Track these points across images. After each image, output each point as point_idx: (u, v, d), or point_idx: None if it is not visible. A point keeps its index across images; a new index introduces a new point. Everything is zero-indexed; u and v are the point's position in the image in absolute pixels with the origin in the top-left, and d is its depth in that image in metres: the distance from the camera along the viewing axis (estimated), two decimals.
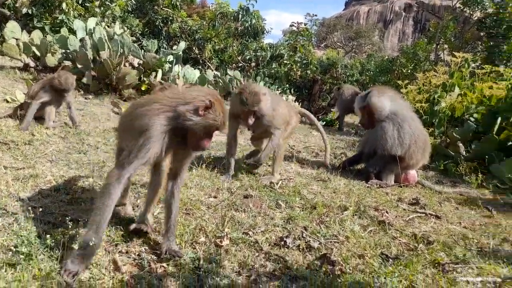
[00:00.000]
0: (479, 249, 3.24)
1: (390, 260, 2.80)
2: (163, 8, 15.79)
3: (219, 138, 5.63)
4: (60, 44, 8.28)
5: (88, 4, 11.70)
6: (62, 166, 3.80)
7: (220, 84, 11.04)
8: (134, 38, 11.54)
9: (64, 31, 8.74)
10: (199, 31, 16.41)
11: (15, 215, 2.63)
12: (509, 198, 5.13)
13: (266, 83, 13.49)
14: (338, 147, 7.49)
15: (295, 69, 14.66)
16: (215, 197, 3.68)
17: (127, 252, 2.45)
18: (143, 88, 8.38)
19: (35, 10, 10.89)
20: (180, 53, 9.38)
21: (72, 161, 4.00)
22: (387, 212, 3.85)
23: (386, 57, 18.91)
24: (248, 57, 16.31)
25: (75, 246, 2.17)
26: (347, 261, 2.69)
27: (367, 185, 4.90)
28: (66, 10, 10.93)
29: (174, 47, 10.62)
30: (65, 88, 5.15)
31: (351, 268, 2.61)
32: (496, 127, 6.57)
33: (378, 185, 4.91)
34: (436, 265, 2.82)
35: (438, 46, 15.92)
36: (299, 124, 5.12)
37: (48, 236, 2.30)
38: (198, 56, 16.00)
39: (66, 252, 2.26)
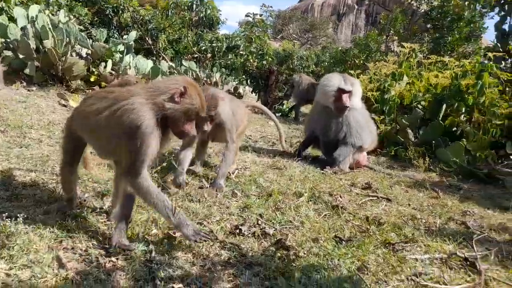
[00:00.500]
0: (427, 228, 3.38)
1: (344, 242, 2.86)
2: None
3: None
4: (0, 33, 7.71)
5: None
6: (0, 162, 3.54)
7: (175, 75, 10.79)
8: (81, 27, 10.97)
9: (3, 19, 8.11)
10: (152, 21, 15.85)
11: None
12: (454, 180, 5.42)
13: (222, 74, 13.34)
14: (294, 136, 7.57)
15: (251, 60, 14.60)
16: (169, 188, 3.58)
17: (72, 248, 2.32)
18: (92, 80, 8.00)
19: None
20: (131, 42, 9.03)
21: (12, 156, 3.74)
22: (340, 196, 3.92)
23: (340, 48, 19.31)
24: (203, 48, 16.03)
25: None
26: (302, 245, 2.71)
27: (330, 171, 5.00)
28: None
29: (125, 37, 10.23)
30: None
31: (305, 252, 2.64)
32: (442, 113, 6.91)
33: (334, 172, 5.01)
34: (387, 245, 2.91)
35: (388, 38, 16.48)
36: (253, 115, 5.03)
37: None
38: (152, 47, 15.49)
39: (2, 251, 2.10)
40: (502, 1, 8.30)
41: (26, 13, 7.63)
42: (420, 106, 7.30)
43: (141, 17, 15.39)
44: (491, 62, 6.82)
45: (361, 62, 14.38)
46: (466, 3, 10.53)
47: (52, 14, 8.63)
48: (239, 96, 12.58)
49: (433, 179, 5.38)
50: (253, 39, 15.09)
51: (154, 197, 2.37)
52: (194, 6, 15.07)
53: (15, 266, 2.03)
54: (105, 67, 7.99)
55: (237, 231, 2.82)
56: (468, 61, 7.18)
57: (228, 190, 3.71)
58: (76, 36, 7.61)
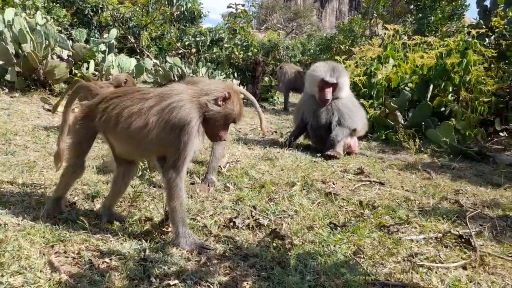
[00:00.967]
0: (421, 209, 3.39)
1: (338, 228, 2.85)
2: None
3: None
4: None
5: None
6: None
7: (161, 72, 10.66)
8: (61, 29, 10.77)
9: None
10: (132, 18, 15.66)
11: None
12: (445, 160, 5.45)
13: (208, 68, 13.24)
14: (284, 127, 7.55)
15: (236, 52, 14.50)
16: (159, 186, 3.54)
17: (65, 252, 2.27)
18: (75, 82, 7.86)
19: None
20: (113, 41, 8.88)
21: None
22: (333, 183, 3.92)
23: (325, 35, 19.27)
24: (187, 43, 15.88)
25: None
26: (297, 234, 2.70)
27: (331, 153, 5.03)
28: None
29: (105, 36, 10.08)
30: None
31: (301, 240, 2.63)
32: (429, 94, 6.94)
33: (332, 155, 5.02)
34: (382, 228, 2.92)
35: (372, 21, 16.48)
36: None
37: None
38: (135, 45, 15.31)
39: None
40: None
41: (1, 17, 7.44)
42: (407, 88, 7.32)
43: (122, 15, 15.19)
44: (475, 40, 6.85)
45: (347, 47, 14.37)
46: None
47: (30, 17, 8.43)
48: None
49: (424, 161, 5.41)
50: (237, 31, 14.99)
51: (179, 202, 2.41)
52: (175, 0, 14.88)
53: (6, 273, 1.98)
54: (87, 68, 7.85)
55: (231, 224, 2.80)
56: (452, 40, 7.20)
57: (220, 184, 3.68)
58: (55, 38, 7.46)
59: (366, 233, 2.78)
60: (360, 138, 6.05)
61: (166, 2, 15.33)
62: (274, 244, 2.52)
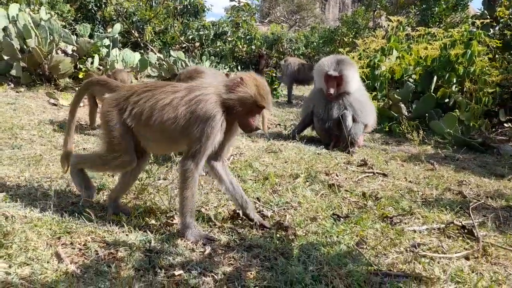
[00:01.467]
0: (424, 200, 3.41)
1: (342, 219, 2.88)
2: None
3: None
4: None
5: None
6: None
7: (165, 66, 10.67)
8: (64, 24, 10.78)
9: None
10: (136, 13, 15.64)
11: None
12: (449, 151, 5.45)
13: (212, 62, 13.24)
14: (288, 119, 7.56)
15: (239, 46, 14.50)
16: (164, 179, 3.57)
17: (71, 244, 2.31)
18: (80, 76, 7.89)
19: None
20: (117, 36, 8.90)
21: (4, 157, 3.70)
22: (337, 175, 3.94)
23: (328, 27, 19.17)
24: (191, 36, 15.87)
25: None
26: (300, 225, 2.73)
27: (352, 150, 5.07)
28: None
29: (109, 30, 10.08)
30: None
31: (304, 231, 2.65)
32: (433, 86, 6.92)
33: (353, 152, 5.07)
34: (385, 219, 2.94)
35: (376, 13, 16.35)
36: None
37: None
38: (139, 39, 15.31)
39: (0, 250, 2.10)
40: None
41: (6, 12, 7.47)
42: (411, 80, 7.30)
43: (125, 9, 15.17)
44: (479, 30, 6.79)
45: (350, 39, 14.29)
46: None
47: (34, 13, 8.45)
48: None
49: (428, 152, 5.41)
50: (240, 24, 14.95)
51: (191, 193, 2.44)
52: None
53: (14, 264, 2.02)
54: (92, 62, 7.88)
55: (235, 215, 2.83)
56: (456, 31, 7.15)
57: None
58: (59, 33, 7.48)
59: (369, 224, 2.80)
60: None
61: None
62: (278, 235, 2.55)
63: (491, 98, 6.48)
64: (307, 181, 3.71)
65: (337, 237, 2.58)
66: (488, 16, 7.93)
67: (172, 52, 11.79)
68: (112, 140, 2.56)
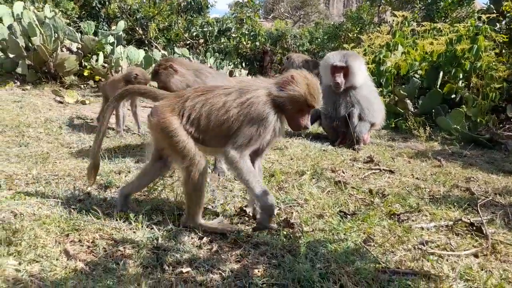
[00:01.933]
0: (431, 197, 3.39)
1: (348, 216, 2.87)
2: None
3: None
4: None
5: None
6: (1, 161, 3.52)
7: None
8: (68, 21, 10.80)
9: None
10: (140, 10, 15.64)
11: None
12: (456, 147, 5.41)
13: (216, 58, 13.23)
14: None
15: (244, 42, 14.46)
16: (170, 176, 3.57)
17: (79, 241, 2.33)
18: (85, 74, 7.92)
19: None
20: (121, 33, 8.90)
21: (12, 155, 3.73)
22: (343, 172, 3.93)
23: (333, 23, 19.06)
24: (195, 33, 15.86)
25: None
26: (307, 222, 2.72)
27: (357, 147, 5.07)
28: None
29: (113, 28, 10.09)
30: None
31: (311, 228, 2.64)
32: (439, 81, 6.86)
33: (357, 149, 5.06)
34: (392, 216, 2.93)
35: (381, 8, 16.23)
36: None
37: None
38: (143, 36, 15.32)
39: (10, 247, 2.11)
40: None
41: (10, 10, 7.49)
42: (417, 76, 7.25)
43: (129, 6, 15.17)
44: (485, 25, 6.73)
45: (355, 35, 14.21)
46: None
47: (38, 10, 8.47)
48: None
49: (435, 148, 5.38)
50: (244, 20, 14.91)
51: (250, 176, 2.42)
52: None
53: (24, 261, 2.04)
54: (96, 60, 7.90)
55: (242, 212, 2.83)
56: (462, 26, 7.09)
57: (230, 174, 3.71)
58: (64, 30, 7.50)
59: (376, 221, 2.78)
60: None
61: None
62: (285, 233, 2.54)
63: (498, 93, 6.43)
64: (313, 178, 3.70)
65: (344, 234, 2.57)
66: (494, 11, 7.84)
67: (176, 49, 11.80)
68: (177, 144, 2.46)
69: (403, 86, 7.07)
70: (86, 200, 2.84)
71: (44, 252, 2.13)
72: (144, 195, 3.07)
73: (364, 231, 2.63)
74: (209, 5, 16.61)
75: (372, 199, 3.24)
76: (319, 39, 16.99)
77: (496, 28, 7.41)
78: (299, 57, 10.24)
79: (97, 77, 8.03)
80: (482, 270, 2.23)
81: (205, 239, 2.44)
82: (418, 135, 5.85)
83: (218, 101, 2.47)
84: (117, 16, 15.06)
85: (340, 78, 5.08)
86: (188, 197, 2.54)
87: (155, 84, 4.01)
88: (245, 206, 2.89)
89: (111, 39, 8.59)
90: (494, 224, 2.87)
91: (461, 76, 6.77)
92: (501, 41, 7.03)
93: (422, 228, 2.75)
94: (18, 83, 7.30)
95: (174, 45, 15.12)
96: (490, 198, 3.39)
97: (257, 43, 14.27)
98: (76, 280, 1.91)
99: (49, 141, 4.32)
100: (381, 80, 7.23)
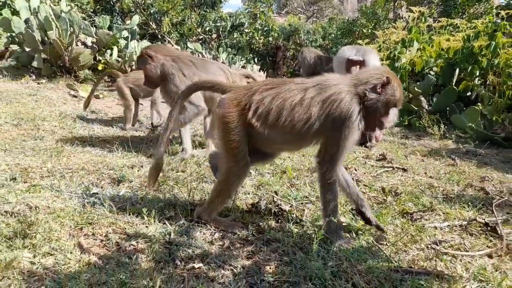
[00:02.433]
0: (445, 196, 3.34)
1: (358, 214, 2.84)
2: None
3: None
4: (4, 27, 7.72)
5: None
6: (17, 154, 3.59)
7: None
8: (83, 16, 10.89)
9: (6, 12, 8.13)
10: (154, 4, 15.70)
11: None
12: (471, 146, 5.33)
13: (229, 53, 13.22)
14: None
15: (257, 37, 14.41)
16: (183, 171, 3.60)
17: (93, 234, 2.36)
18: (99, 68, 8.00)
19: None
20: (135, 27, 8.96)
21: (27, 148, 3.79)
22: (355, 169, 3.90)
23: (347, 19, 18.87)
24: (208, 28, 15.85)
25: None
26: (319, 220, 2.71)
27: (370, 144, 5.02)
28: None
29: (128, 22, 10.15)
30: None
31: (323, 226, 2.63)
32: (455, 78, 6.75)
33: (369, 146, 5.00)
34: (405, 215, 2.90)
35: (396, 3, 16.00)
36: None
37: (4, 225, 2.17)
38: (156, 31, 15.38)
39: (25, 240, 2.15)
40: None
41: (28, 4, 7.59)
42: (432, 72, 7.14)
43: (143, 1, 15.23)
44: (504, 21, 6.58)
45: (369, 31, 14.05)
46: None
47: (54, 5, 8.57)
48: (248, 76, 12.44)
49: (449, 147, 5.31)
50: (258, 15, 14.84)
51: (333, 195, 2.39)
52: None
53: (38, 254, 2.07)
54: (111, 54, 7.96)
55: (254, 209, 2.83)
56: (480, 22, 6.94)
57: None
58: (79, 24, 7.57)
59: (389, 219, 2.76)
60: None
61: None
62: (296, 230, 2.54)
63: None
64: None
65: (356, 232, 2.56)
66: None
67: (189, 44, 11.82)
68: (230, 143, 2.43)
69: (418, 83, 6.98)
70: (100, 194, 2.87)
71: (58, 245, 2.16)
72: (156, 190, 3.09)
73: (376, 229, 2.60)
74: (222, 0, 16.58)
75: (385, 198, 3.21)
76: (333, 35, 16.85)
77: None
78: (311, 53, 10.11)
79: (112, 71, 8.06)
80: (496, 271, 2.20)
81: (216, 235, 2.46)
82: (432, 133, 5.77)
83: (292, 97, 2.35)
84: (131, 11, 15.14)
85: (355, 71, 5.02)
86: (216, 192, 2.53)
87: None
88: (257, 203, 2.89)
89: (125, 33, 8.64)
90: (509, 224, 2.82)
91: (477, 74, 6.65)
92: None
93: (436, 228, 2.72)
94: (34, 77, 7.41)
95: (187, 39, 15.15)
96: (505, 198, 3.33)
97: (270, 39, 14.21)
98: (90, 273, 1.93)
99: (64, 135, 4.37)
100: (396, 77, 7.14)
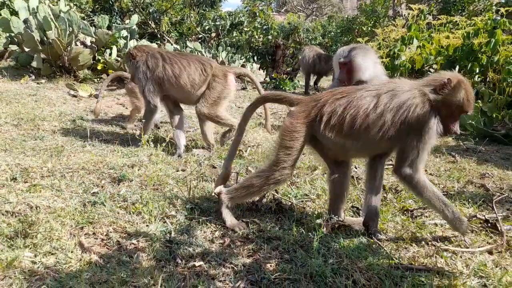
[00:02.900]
0: (445, 193, 3.35)
1: (361, 212, 2.84)
2: None
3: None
4: (3, 27, 7.71)
5: None
6: (17, 154, 3.59)
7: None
8: (82, 15, 10.88)
9: (5, 12, 8.11)
10: (152, 3, 15.70)
11: None
12: (471, 143, 5.32)
13: (228, 52, 13.20)
14: None
15: (256, 36, 14.39)
16: (183, 170, 3.60)
17: (94, 234, 2.36)
18: (99, 68, 7.99)
19: None
20: (134, 27, 8.94)
21: (27, 148, 3.79)
22: (355, 167, 3.90)
23: (346, 16, 18.85)
24: (207, 27, 15.83)
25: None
26: (319, 217, 2.71)
27: None
28: None
29: (127, 21, 10.13)
30: None
31: (323, 223, 2.63)
32: None
33: None
34: (405, 212, 2.90)
35: (395, 1, 15.98)
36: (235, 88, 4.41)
37: (5, 225, 2.17)
38: (156, 30, 15.38)
39: (26, 240, 2.15)
40: None
41: (26, 4, 7.58)
42: (432, 70, 7.13)
43: (142, 0, 15.21)
44: (503, 18, 6.57)
45: (369, 29, 14.03)
46: None
47: (53, 5, 8.56)
48: None
49: (449, 144, 5.30)
50: (257, 14, 14.82)
51: (431, 191, 2.37)
52: None
53: (39, 254, 2.08)
54: (110, 54, 7.95)
55: (254, 207, 2.84)
56: (480, 19, 6.94)
57: (242, 168, 3.71)
58: (78, 24, 7.56)
59: (389, 217, 2.77)
60: None
61: None
62: (296, 228, 2.54)
63: None
64: (325, 173, 3.68)
65: (357, 230, 2.56)
66: None
67: (188, 43, 11.80)
68: (289, 149, 2.48)
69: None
70: (100, 194, 2.87)
71: (59, 245, 2.17)
72: (156, 189, 3.09)
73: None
74: None
75: (385, 195, 3.21)
76: (332, 33, 16.82)
77: None
78: (311, 51, 10.13)
79: (110, 71, 8.05)
80: (496, 267, 2.20)
81: (217, 233, 2.46)
82: None
83: (364, 104, 2.37)
84: (130, 10, 15.14)
85: (342, 74, 5.04)
86: (248, 183, 2.56)
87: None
88: (258, 201, 2.89)
89: (124, 33, 8.63)
90: (509, 221, 2.82)
91: (477, 71, 6.64)
92: None
93: (436, 224, 2.72)
94: (33, 77, 7.40)
95: (186, 39, 15.13)
96: (506, 194, 3.33)
97: (270, 37, 14.18)
98: (91, 272, 1.94)
99: (64, 135, 4.38)
100: (396, 75, 7.13)
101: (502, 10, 6.85)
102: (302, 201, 3.02)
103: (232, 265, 2.11)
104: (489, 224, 2.71)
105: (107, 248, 2.23)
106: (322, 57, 9.84)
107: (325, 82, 11.79)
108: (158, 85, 4.15)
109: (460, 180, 3.71)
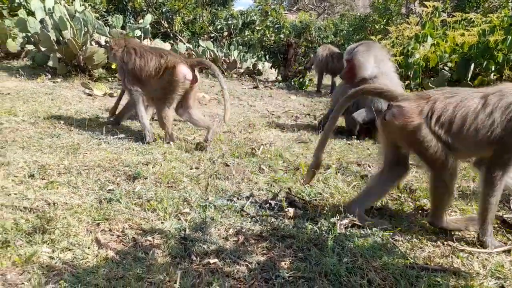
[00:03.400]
0: (461, 193, 3.31)
1: (375, 211, 2.83)
2: None
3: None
4: (20, 27, 7.85)
5: None
6: (34, 152, 3.65)
7: (194, 56, 10.76)
8: (97, 15, 11.01)
9: (22, 13, 8.25)
10: (166, 3, 15.80)
11: None
12: None
13: (240, 51, 13.22)
14: (317, 109, 7.47)
15: (268, 35, 14.38)
16: (196, 168, 3.62)
17: (110, 230, 2.40)
18: (113, 67, 8.06)
19: None
20: (148, 26, 9.02)
21: (44, 146, 3.85)
22: (369, 166, 3.88)
23: (359, 14, 18.70)
24: (219, 26, 15.88)
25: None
26: (333, 216, 2.70)
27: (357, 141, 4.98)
28: None
29: (140, 21, 10.22)
30: None
31: (337, 222, 2.62)
32: (470, 74, 6.63)
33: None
34: (420, 211, 2.87)
35: None
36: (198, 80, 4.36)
37: (23, 221, 2.22)
38: (168, 29, 15.48)
39: (44, 235, 2.19)
40: None
41: (43, 5, 7.70)
42: (446, 68, 7.03)
43: (155, 0, 15.33)
44: None
45: (382, 27, 13.91)
46: None
47: (69, 5, 8.68)
48: (259, 73, 12.44)
49: None
50: (269, 12, 14.81)
51: (495, 201, 2.37)
52: None
53: (57, 249, 2.11)
54: None
55: (267, 205, 2.84)
56: (496, 16, 6.82)
57: (255, 166, 3.72)
58: (93, 24, 7.66)
59: (404, 216, 2.74)
60: None
61: None
62: (310, 226, 2.54)
63: None
64: (339, 172, 3.67)
65: (371, 229, 2.55)
66: None
67: (201, 42, 11.87)
68: (427, 150, 2.43)
69: (432, 78, 6.88)
70: (115, 191, 2.91)
71: (76, 241, 2.21)
72: (170, 186, 3.12)
73: (391, 226, 2.59)
74: None
75: (400, 194, 3.19)
76: (344, 31, 16.72)
77: None
78: (324, 50, 10.08)
79: None
80: None
81: (231, 231, 2.47)
82: None
83: (473, 104, 2.35)
84: (143, 10, 15.27)
85: (343, 72, 5.09)
86: (438, 199, 2.53)
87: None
88: (271, 199, 2.90)
89: (138, 32, 8.71)
90: None
91: (493, 69, 6.52)
92: None
93: None
94: (49, 76, 7.51)
95: (198, 38, 15.21)
96: None
97: (282, 36, 14.15)
98: (107, 268, 1.97)
99: (80, 133, 4.44)
100: (409, 73, 7.05)
101: None
102: (315, 200, 3.01)
103: (247, 263, 2.12)
104: (506, 224, 2.67)
105: (123, 244, 2.26)
106: (334, 55, 9.78)
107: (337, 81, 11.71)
108: (134, 77, 4.39)
109: (475, 180, 3.66)
